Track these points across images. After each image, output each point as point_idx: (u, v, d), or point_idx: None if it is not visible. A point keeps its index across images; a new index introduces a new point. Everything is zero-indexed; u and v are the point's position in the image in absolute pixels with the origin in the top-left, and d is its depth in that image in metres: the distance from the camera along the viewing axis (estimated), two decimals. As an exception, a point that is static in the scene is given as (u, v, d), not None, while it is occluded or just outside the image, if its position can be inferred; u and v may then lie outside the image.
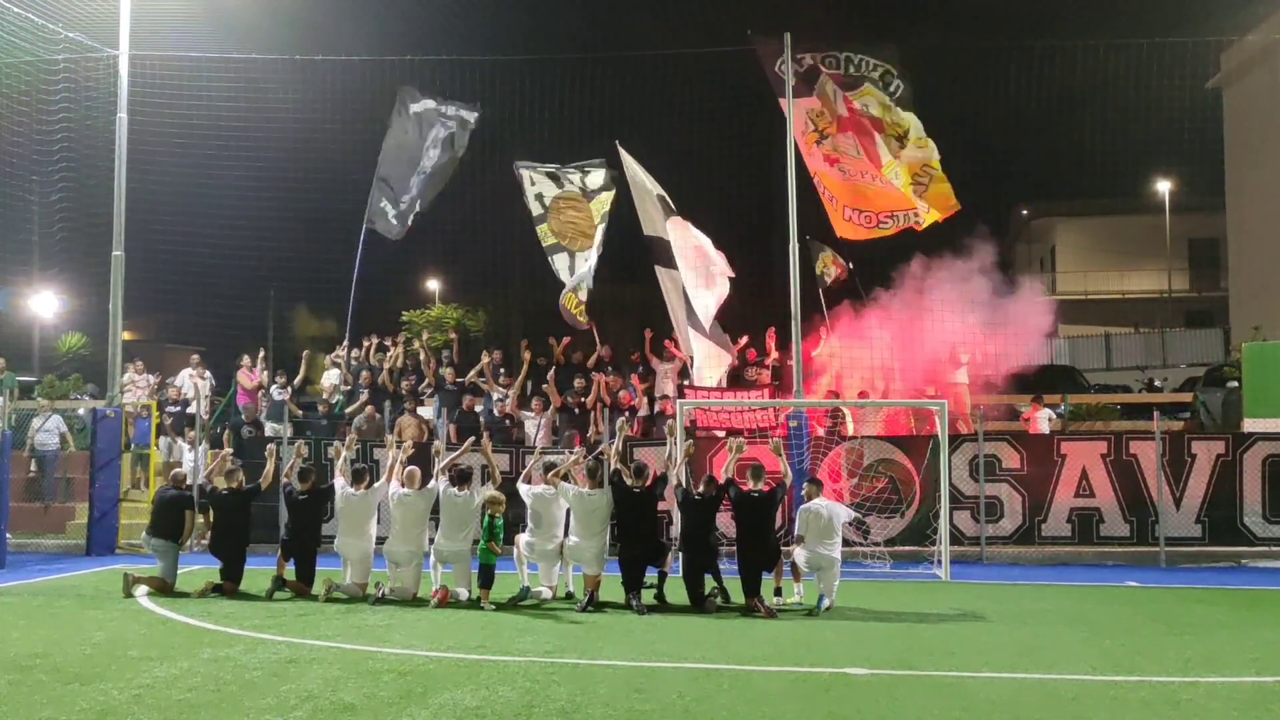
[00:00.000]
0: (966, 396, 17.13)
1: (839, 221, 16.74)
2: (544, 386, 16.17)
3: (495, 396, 16.46)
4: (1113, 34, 15.85)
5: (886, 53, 16.25)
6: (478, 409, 16.16)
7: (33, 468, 16.91)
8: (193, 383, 18.06)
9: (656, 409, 15.97)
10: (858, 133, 15.91)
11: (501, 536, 10.72)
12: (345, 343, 18.55)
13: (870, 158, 15.94)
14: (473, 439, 12.39)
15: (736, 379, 16.37)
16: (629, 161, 17.14)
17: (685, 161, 16.61)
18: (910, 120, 16.08)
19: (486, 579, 10.53)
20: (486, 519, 10.71)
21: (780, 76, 15.99)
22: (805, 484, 11.14)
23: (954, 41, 16.04)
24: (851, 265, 17.63)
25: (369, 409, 16.24)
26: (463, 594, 10.78)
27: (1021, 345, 17.57)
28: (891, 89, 16.12)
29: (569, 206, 17.78)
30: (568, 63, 18.59)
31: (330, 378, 18.24)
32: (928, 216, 16.28)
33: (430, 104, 18.83)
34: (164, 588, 11.27)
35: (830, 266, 17.57)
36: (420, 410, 16.36)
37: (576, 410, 15.83)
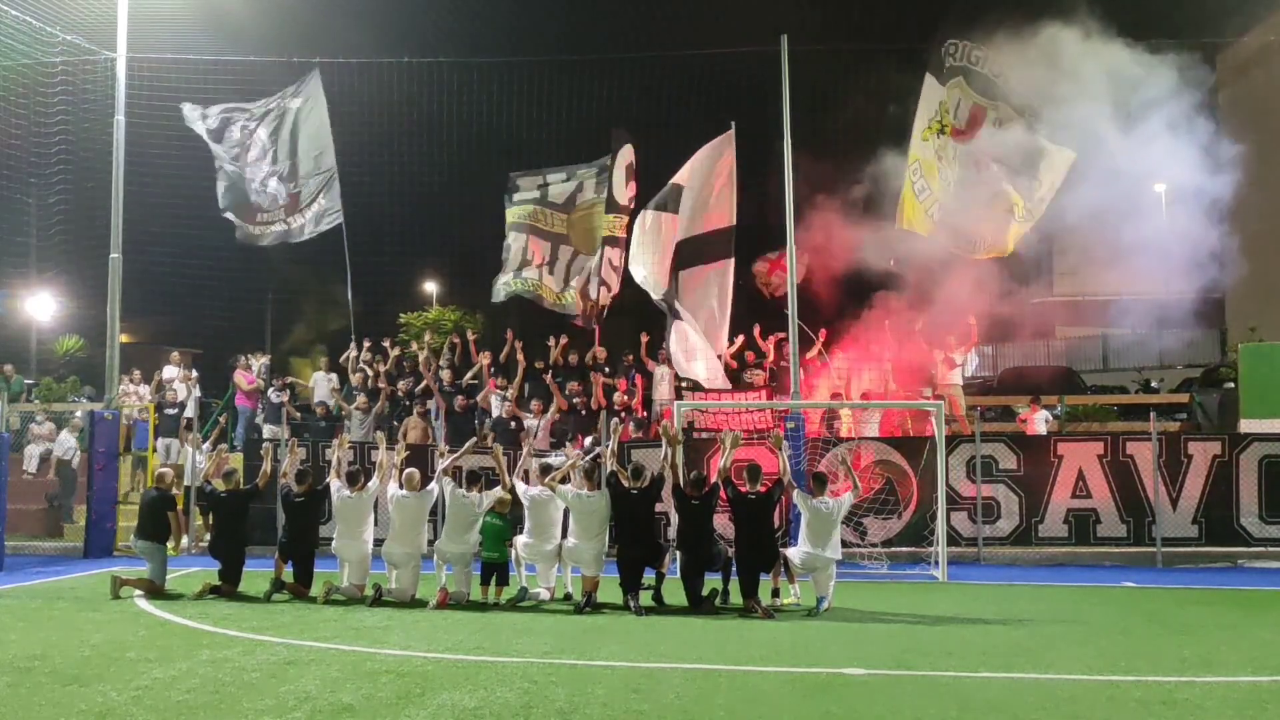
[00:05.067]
0: (961, 398, 17.15)
1: (917, 214, 16.15)
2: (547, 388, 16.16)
3: (495, 401, 16.43)
4: (1110, 36, 15.84)
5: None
6: (473, 409, 16.15)
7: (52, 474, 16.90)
8: (183, 384, 18.06)
9: (654, 410, 15.98)
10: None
11: (506, 536, 10.80)
12: (353, 345, 18.47)
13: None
14: (474, 440, 12.35)
15: (735, 380, 16.37)
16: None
17: (680, 158, 16.63)
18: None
19: (502, 577, 10.71)
20: (487, 521, 10.78)
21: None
22: (810, 481, 10.96)
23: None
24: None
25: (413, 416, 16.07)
26: (464, 595, 10.81)
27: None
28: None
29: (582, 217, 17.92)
30: (567, 64, 18.60)
31: (318, 380, 18.20)
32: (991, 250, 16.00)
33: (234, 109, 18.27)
34: (153, 590, 11.23)
35: (771, 279, 17.29)
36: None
37: (582, 411, 15.83)
